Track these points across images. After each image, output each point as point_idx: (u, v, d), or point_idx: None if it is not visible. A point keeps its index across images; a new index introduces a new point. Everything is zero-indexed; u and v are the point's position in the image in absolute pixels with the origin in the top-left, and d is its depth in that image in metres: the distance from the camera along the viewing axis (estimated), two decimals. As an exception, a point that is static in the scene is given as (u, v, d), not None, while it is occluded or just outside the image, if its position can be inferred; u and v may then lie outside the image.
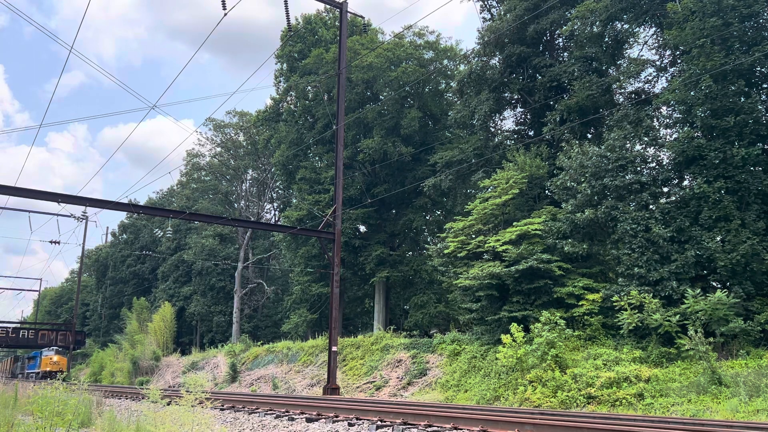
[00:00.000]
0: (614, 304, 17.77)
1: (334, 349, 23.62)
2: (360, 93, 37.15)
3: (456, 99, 33.39)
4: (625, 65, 23.70)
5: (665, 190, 19.97)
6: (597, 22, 22.85)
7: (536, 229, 21.10)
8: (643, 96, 23.43)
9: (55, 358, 58.13)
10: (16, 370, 76.69)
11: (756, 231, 16.87)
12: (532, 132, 27.92)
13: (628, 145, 19.96)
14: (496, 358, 19.50)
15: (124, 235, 74.45)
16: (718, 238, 17.27)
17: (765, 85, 19.05)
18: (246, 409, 13.77)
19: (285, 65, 41.93)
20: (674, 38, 19.16)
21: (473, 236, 23.46)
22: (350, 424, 10.05)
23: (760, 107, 18.02)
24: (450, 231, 24.58)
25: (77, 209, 68.16)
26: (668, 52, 22.63)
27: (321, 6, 40.87)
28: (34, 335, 69.32)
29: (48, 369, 55.60)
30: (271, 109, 43.49)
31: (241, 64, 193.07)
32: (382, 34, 40.91)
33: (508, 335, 18.24)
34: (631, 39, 24.04)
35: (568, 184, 20.85)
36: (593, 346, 18.78)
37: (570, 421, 8.38)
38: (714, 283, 18.04)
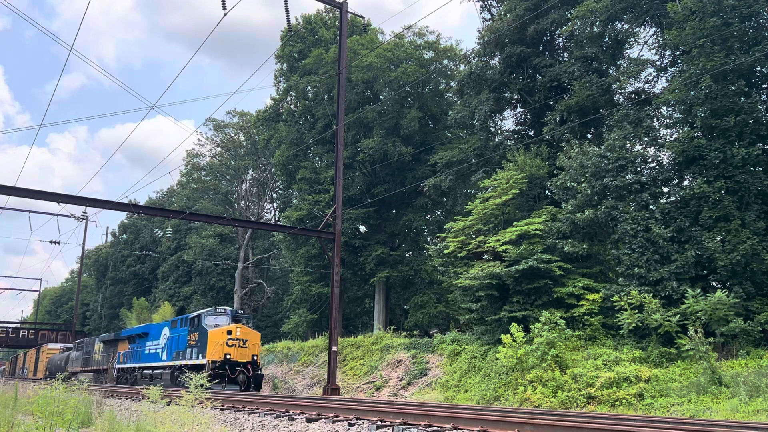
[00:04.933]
0: (614, 304, 17.77)
1: (334, 349, 23.60)
2: (360, 93, 37.15)
3: (456, 99, 33.39)
4: (625, 65, 23.71)
5: (665, 190, 19.98)
6: (597, 22, 22.86)
7: (536, 229, 21.10)
8: (643, 96, 23.43)
9: (239, 330, 25.33)
10: (62, 363, 45.74)
11: (756, 231, 16.87)
12: (532, 132, 27.91)
13: (628, 145, 19.97)
14: (496, 358, 19.50)
15: (124, 235, 74.43)
16: (718, 238, 17.28)
17: (765, 85, 19.06)
18: (246, 409, 13.76)
19: (285, 65, 41.92)
20: (674, 38, 19.16)
21: (473, 236, 23.46)
22: (350, 424, 10.05)
23: (760, 107, 18.02)
24: (450, 231, 24.57)
25: (77, 209, 68.23)
26: (668, 52, 22.63)
27: (321, 6, 40.91)
28: (34, 335, 69.39)
29: (228, 357, 24.45)
30: (271, 109, 43.47)
31: (238, 65, 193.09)
32: (382, 34, 40.91)
33: (508, 335, 18.24)
34: (631, 39, 24.06)
35: (568, 184, 20.85)
36: (593, 346, 18.78)
37: (570, 421, 8.38)
38: (714, 283, 18.05)
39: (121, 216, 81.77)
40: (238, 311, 27.05)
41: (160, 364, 28.71)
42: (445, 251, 24.17)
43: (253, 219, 52.42)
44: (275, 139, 41.85)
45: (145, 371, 30.24)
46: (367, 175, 37.20)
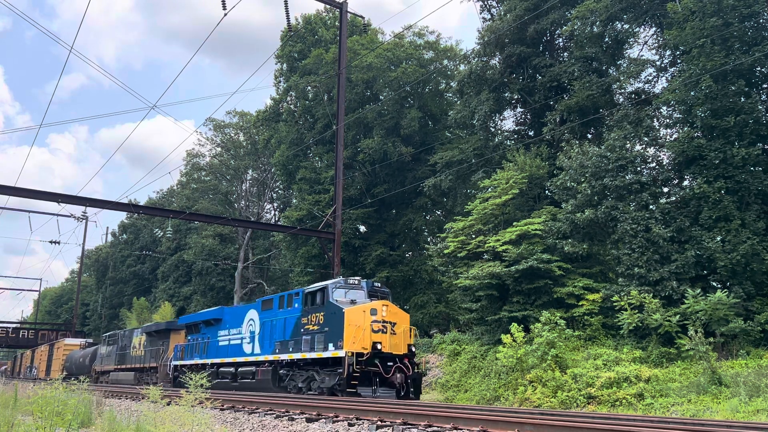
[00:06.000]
0: (614, 304, 17.78)
1: (334, 349, 23.52)
2: (360, 93, 37.16)
3: (456, 99, 33.40)
4: (625, 65, 23.73)
5: (665, 190, 20.00)
6: (597, 22, 22.87)
7: (536, 229, 21.11)
8: (643, 96, 23.44)
9: (385, 309, 17.42)
10: (85, 361, 40.28)
11: (756, 231, 16.88)
12: (532, 132, 27.92)
13: (628, 145, 19.98)
14: (496, 358, 19.50)
15: (124, 235, 74.49)
16: (718, 238, 17.28)
17: (765, 85, 19.08)
18: (246, 409, 13.76)
19: (285, 65, 41.94)
20: (674, 38, 19.17)
21: (473, 236, 23.47)
22: (350, 424, 10.04)
23: (760, 107, 18.04)
24: (450, 231, 24.59)
25: (77, 209, 68.26)
26: (668, 52, 22.65)
27: (321, 6, 40.89)
28: (34, 335, 69.43)
29: (378, 347, 16.68)
30: (271, 109, 43.50)
31: (238, 66, 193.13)
32: (382, 35, 40.93)
33: (508, 335, 18.25)
34: (631, 39, 24.07)
35: (568, 184, 20.86)
36: (593, 346, 18.79)
37: (570, 421, 8.37)
38: (714, 283, 18.07)
39: (121, 216, 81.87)
40: (375, 283, 19.27)
41: (249, 359, 21.25)
42: (445, 251, 24.18)
43: (253, 219, 52.42)
44: (275, 139, 41.86)
45: (221, 369, 22.91)
46: (367, 175, 37.20)
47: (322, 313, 18.13)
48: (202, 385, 9.45)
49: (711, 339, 15.52)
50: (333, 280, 18.93)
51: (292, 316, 19.61)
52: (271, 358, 19.92)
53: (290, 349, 19.12)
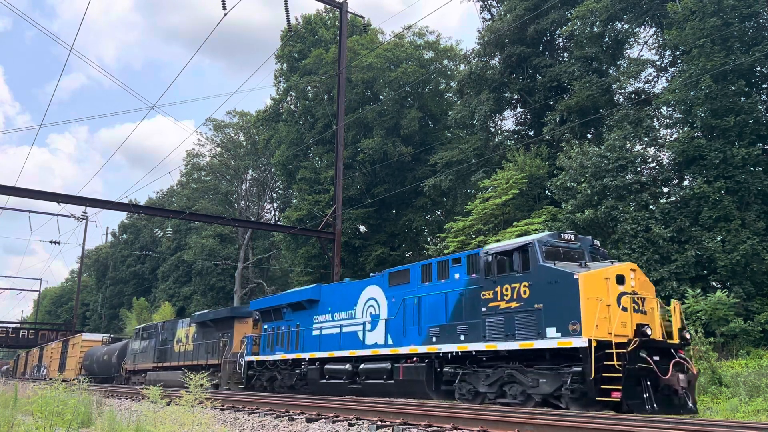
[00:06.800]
0: (614, 304, 17.76)
1: (334, 349, 23.45)
2: (360, 93, 37.18)
3: (456, 99, 33.43)
4: (625, 65, 23.75)
5: (665, 190, 20.01)
6: (597, 22, 22.89)
7: (536, 229, 21.11)
8: (643, 96, 23.47)
9: (634, 276, 11.29)
10: (111, 358, 35.59)
11: (756, 231, 16.90)
12: (532, 132, 27.94)
13: (628, 145, 19.99)
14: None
15: (124, 235, 74.50)
16: (718, 238, 17.30)
17: (765, 85, 19.11)
18: (246, 409, 13.75)
19: (285, 65, 41.98)
20: (674, 38, 19.19)
21: (473, 236, 23.47)
22: (350, 424, 10.04)
23: (760, 107, 18.07)
24: (450, 231, 24.60)
25: (77, 209, 68.11)
26: (668, 52, 22.67)
27: (321, 6, 40.87)
28: (34, 335, 69.40)
29: (647, 333, 10.61)
30: (271, 109, 43.53)
31: (238, 66, 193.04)
32: (382, 35, 40.97)
33: (508, 335, 18.18)
34: (631, 39, 24.10)
35: (568, 184, 20.87)
36: (593, 346, 18.75)
37: (570, 421, 8.37)
38: (714, 283, 18.09)
39: (121, 216, 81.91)
40: (595, 241, 13.39)
41: (380, 351, 15.69)
42: (445, 251, 24.17)
43: (253, 219, 52.42)
44: (275, 139, 41.89)
45: (327, 365, 17.51)
46: (367, 175, 37.20)
47: (525, 283, 12.20)
48: (201, 385, 9.45)
49: (711, 339, 15.52)
50: (538, 235, 12.87)
51: (453, 291, 13.91)
52: (423, 350, 14.37)
53: (461, 338, 13.39)
